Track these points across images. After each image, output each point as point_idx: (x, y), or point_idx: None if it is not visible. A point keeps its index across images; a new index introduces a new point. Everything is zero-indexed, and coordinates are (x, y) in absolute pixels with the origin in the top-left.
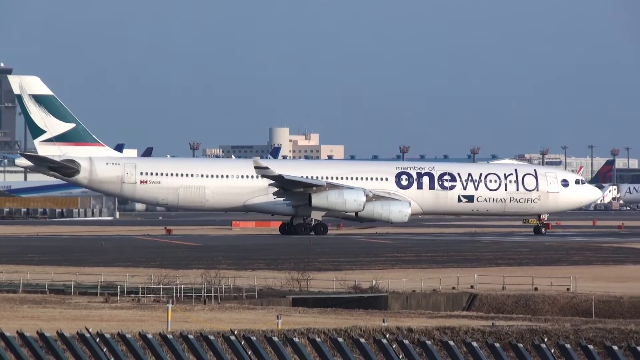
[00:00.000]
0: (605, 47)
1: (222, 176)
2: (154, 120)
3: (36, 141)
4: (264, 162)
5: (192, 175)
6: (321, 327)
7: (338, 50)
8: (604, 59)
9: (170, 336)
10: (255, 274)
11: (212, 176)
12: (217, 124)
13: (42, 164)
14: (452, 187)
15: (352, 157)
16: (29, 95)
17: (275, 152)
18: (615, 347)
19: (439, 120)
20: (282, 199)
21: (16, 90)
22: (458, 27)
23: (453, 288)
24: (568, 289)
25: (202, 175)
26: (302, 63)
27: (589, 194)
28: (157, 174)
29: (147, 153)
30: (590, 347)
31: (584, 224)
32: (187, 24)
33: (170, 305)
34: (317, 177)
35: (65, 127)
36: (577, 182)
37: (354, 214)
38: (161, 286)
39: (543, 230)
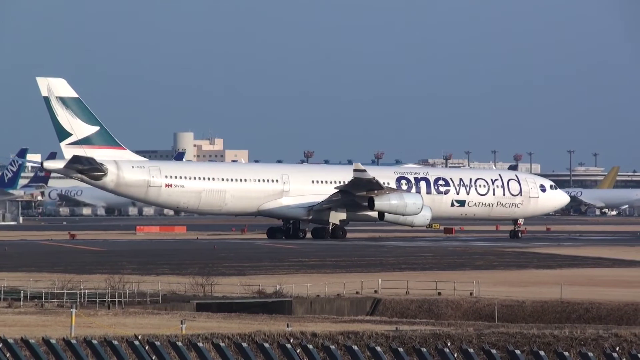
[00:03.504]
0: (509, 51)
1: (241, 180)
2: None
3: (62, 144)
4: (362, 166)
5: (213, 179)
6: (225, 332)
7: (241, 55)
8: (506, 64)
9: (74, 341)
10: (159, 278)
11: (232, 180)
12: (121, 128)
13: (73, 167)
14: (446, 192)
15: (257, 162)
16: (56, 97)
17: (179, 157)
18: (517, 352)
19: (342, 125)
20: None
21: (44, 93)
22: (357, 30)
23: (357, 293)
24: (471, 294)
25: (222, 179)
26: (207, 67)
27: (562, 199)
28: (181, 177)
29: (51, 157)
30: (493, 351)
31: (487, 228)
32: (93, 26)
33: (74, 310)
34: (324, 182)
35: (91, 129)
36: (551, 187)
37: (377, 215)
38: (65, 291)
39: (520, 234)
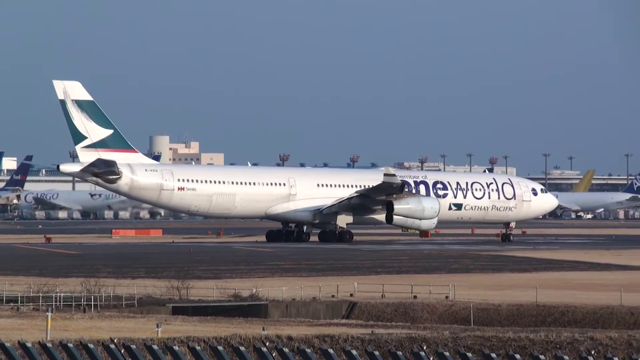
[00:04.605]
0: (484, 55)
1: (250, 183)
2: (32, 128)
3: (78, 147)
4: (392, 170)
5: (224, 182)
6: (201, 335)
7: (217, 58)
8: (481, 67)
9: (49, 345)
10: (135, 282)
11: (241, 183)
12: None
13: (90, 170)
14: (444, 196)
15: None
16: (72, 100)
17: (155, 160)
18: (493, 355)
19: (318, 128)
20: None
21: (60, 96)
22: (335, 33)
23: (333, 296)
24: (447, 297)
25: (232, 182)
26: (183, 70)
27: (552, 202)
28: (193, 180)
29: (28, 160)
30: (469, 354)
31: (463, 232)
32: (62, 26)
33: (49, 314)
34: (329, 185)
35: (105, 133)
36: (542, 190)
37: (384, 218)
38: (41, 295)
39: (512, 237)
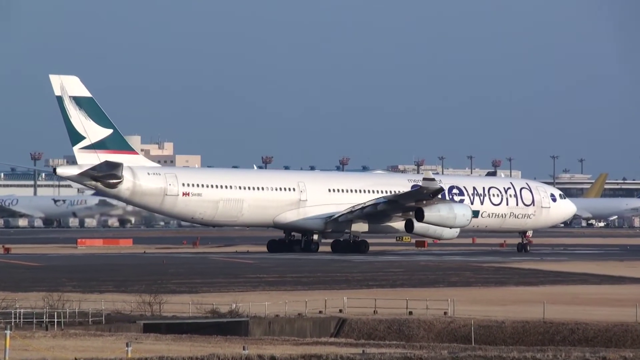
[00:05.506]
0: (486, 56)
1: (258, 188)
2: None
3: (75, 148)
4: (432, 175)
5: (231, 187)
6: (175, 355)
7: (193, 54)
8: (481, 64)
9: None
10: (102, 297)
11: (249, 188)
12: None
13: (89, 173)
14: (461, 202)
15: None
16: (70, 97)
17: None
18: None
19: (304, 128)
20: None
21: (57, 92)
22: (326, 35)
23: (320, 312)
24: (445, 313)
25: (240, 187)
26: (154, 66)
27: (570, 209)
28: (199, 185)
29: None
30: None
31: (463, 241)
32: (23, 26)
33: (8, 332)
34: (341, 190)
35: (104, 132)
36: (560, 196)
37: (403, 226)
38: None
39: (528, 248)
